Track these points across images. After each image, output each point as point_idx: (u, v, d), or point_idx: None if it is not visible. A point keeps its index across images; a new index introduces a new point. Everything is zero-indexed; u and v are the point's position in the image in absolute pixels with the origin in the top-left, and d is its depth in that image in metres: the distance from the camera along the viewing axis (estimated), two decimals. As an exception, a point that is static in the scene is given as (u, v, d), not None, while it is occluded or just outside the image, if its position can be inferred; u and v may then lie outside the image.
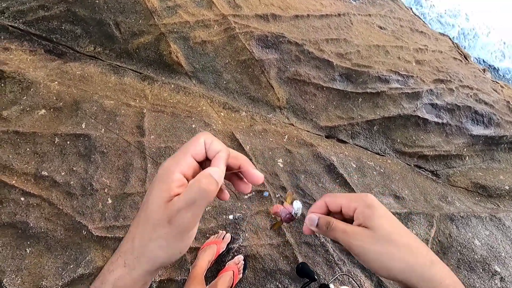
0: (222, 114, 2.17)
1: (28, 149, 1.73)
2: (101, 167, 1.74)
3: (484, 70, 3.05)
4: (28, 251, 1.54)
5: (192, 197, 0.34)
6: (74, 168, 1.71)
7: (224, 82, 2.26)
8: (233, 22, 2.29)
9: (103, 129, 1.86)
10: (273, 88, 2.25)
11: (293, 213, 0.49)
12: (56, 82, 1.99)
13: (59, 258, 1.54)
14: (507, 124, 2.45)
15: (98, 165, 1.74)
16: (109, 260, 0.37)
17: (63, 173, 1.69)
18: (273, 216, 0.51)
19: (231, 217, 1.71)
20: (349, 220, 0.44)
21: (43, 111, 1.86)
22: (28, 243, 1.55)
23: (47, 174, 1.67)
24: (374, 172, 2.06)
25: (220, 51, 2.27)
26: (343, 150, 2.13)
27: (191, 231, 0.36)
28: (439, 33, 3.18)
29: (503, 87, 2.89)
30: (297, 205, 0.49)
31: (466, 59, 3.00)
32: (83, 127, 1.84)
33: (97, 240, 1.59)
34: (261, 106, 2.25)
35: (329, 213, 0.46)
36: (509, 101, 2.59)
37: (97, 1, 2.23)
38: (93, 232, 1.59)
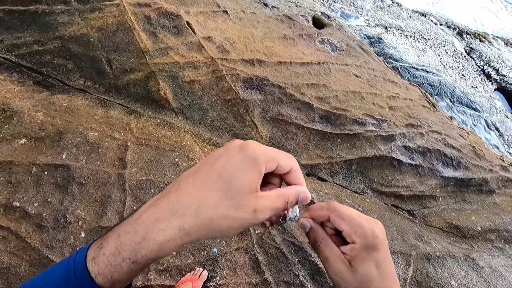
0: (206, 149, 2.22)
1: (1, 178, 1.67)
2: (77, 198, 1.70)
3: (451, 118, 3.32)
4: (-16, 290, 1.41)
5: (279, 207, 0.38)
6: (49, 199, 1.66)
7: (210, 119, 2.34)
8: (220, 65, 2.45)
9: (84, 160, 1.85)
10: (257, 127, 2.35)
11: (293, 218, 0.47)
12: (41, 113, 2.01)
13: (18, 298, 1.41)
14: (475, 167, 2.62)
15: (75, 197, 1.70)
16: (149, 211, 0.34)
17: (36, 204, 1.63)
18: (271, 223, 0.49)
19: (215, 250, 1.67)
20: None
21: (24, 140, 1.84)
22: (-13, 280, 1.43)
23: (18, 204, 1.60)
24: (353, 211, 2.10)
25: (207, 90, 2.39)
26: (323, 188, 2.18)
27: None
28: (409, 83, 3.50)
29: (468, 134, 3.13)
30: (294, 213, 0.47)
31: (434, 107, 3.27)
32: (64, 157, 1.82)
33: (64, 278, 1.48)
34: (244, 143, 2.31)
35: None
36: (474, 147, 2.79)
37: (92, 39, 2.36)
38: (61, 269, 1.49)
